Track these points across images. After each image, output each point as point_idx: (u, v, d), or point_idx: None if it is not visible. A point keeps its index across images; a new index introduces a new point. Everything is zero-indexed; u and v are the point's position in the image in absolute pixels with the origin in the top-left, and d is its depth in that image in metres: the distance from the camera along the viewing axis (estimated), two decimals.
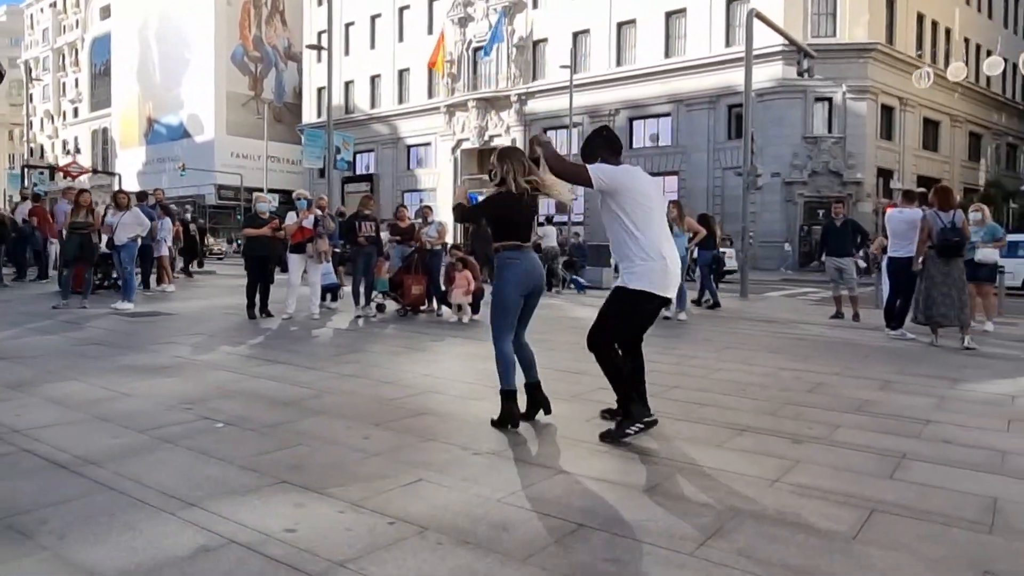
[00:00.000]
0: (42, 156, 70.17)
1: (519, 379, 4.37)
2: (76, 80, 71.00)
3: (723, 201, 31.45)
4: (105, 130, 66.23)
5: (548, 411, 4.46)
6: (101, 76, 66.52)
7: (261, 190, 44.25)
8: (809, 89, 29.52)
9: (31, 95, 74.20)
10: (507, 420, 4.27)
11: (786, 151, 30.03)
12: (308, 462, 3.55)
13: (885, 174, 31.43)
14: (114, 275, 12.76)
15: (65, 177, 30.29)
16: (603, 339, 4.14)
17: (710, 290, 12.25)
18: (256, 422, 4.26)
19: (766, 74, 28.82)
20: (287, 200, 10.71)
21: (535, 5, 38.62)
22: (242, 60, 54.46)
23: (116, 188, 20.27)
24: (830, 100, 30.37)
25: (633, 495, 3.23)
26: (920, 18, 33.74)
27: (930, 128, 35.16)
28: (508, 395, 4.29)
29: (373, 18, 46.36)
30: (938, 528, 2.89)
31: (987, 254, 9.38)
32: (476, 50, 40.54)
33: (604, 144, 4.30)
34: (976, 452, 4.05)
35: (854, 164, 30.05)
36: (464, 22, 40.95)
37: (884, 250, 12.82)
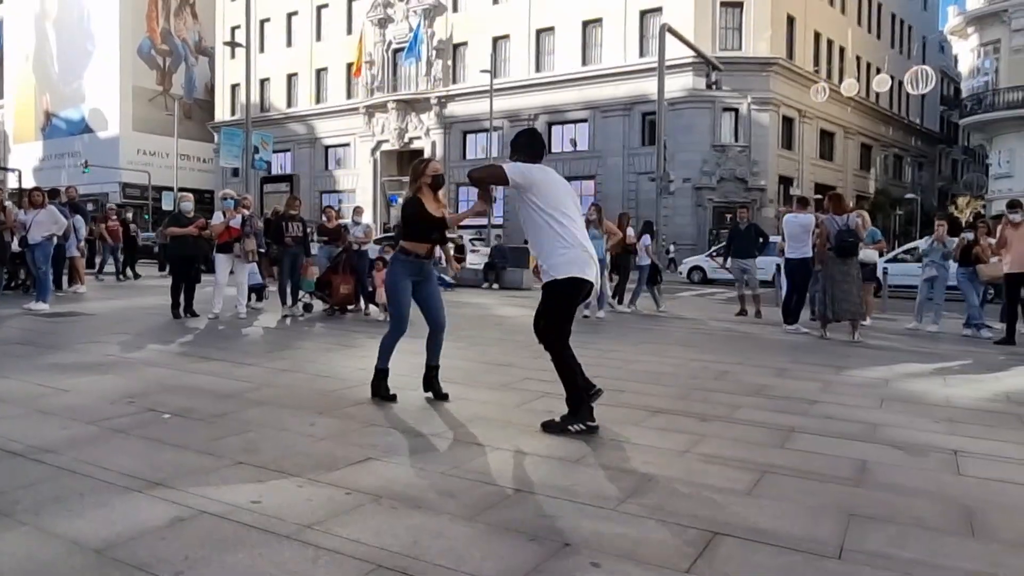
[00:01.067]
0: None
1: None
2: None
3: (637, 205, 32.62)
4: None
5: (439, 396, 4.97)
6: None
7: (171, 189, 42.83)
8: (717, 100, 31.04)
9: None
10: (377, 392, 4.90)
11: (696, 158, 31.47)
12: (260, 446, 3.79)
13: (786, 181, 33.40)
14: (22, 275, 12.34)
15: None
16: (554, 339, 4.41)
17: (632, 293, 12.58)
18: (202, 413, 4.44)
19: (677, 84, 30.14)
20: (202, 200, 10.53)
21: (455, 9, 38.94)
22: (149, 53, 52.35)
23: (12, 184, 19.32)
24: (736, 111, 32.02)
25: (563, 465, 3.64)
26: (817, 36, 36.01)
27: (826, 139, 37.54)
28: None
29: (290, 15, 45.58)
30: (816, 484, 3.43)
31: (868, 255, 10.34)
32: (396, 51, 40.49)
33: (525, 145, 4.54)
34: (852, 425, 4.67)
35: (758, 172, 31.80)
36: (384, 23, 40.82)
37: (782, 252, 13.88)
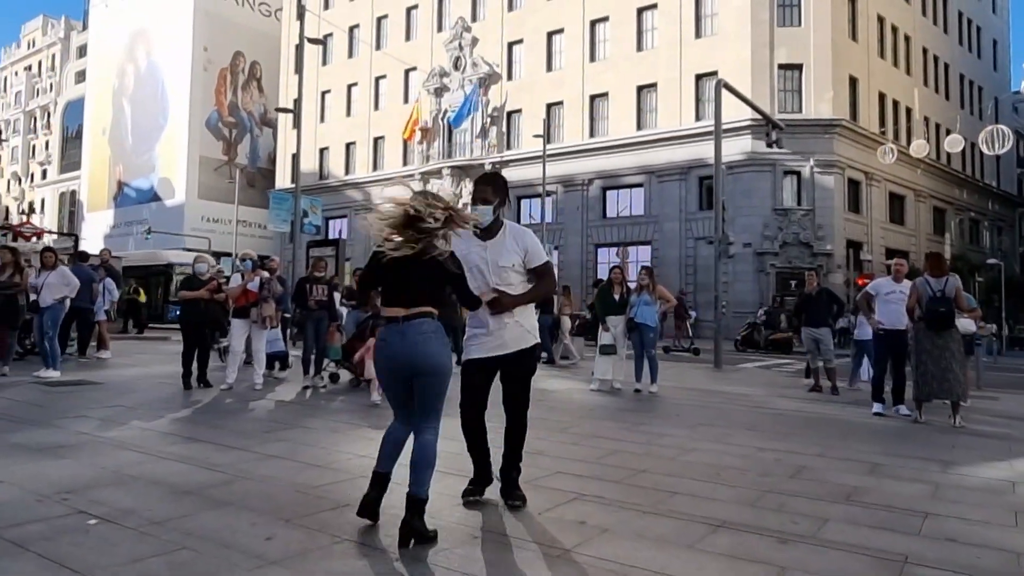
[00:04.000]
0: (7, 217, 68.90)
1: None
2: (47, 143, 70.50)
3: (695, 271, 31.42)
4: (73, 192, 65.40)
5: (413, 540, 3.29)
6: (73, 139, 66.11)
7: (230, 254, 43.61)
8: (778, 163, 29.93)
9: None
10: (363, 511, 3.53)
11: (757, 222, 30.20)
12: (185, 575, 2.86)
13: (854, 246, 31.69)
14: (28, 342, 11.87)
15: (16, 239, 29.30)
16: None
17: (545, 347, 13.10)
18: (141, 517, 3.55)
19: (736, 147, 29.21)
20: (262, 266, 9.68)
21: (509, 77, 39.25)
22: (217, 125, 54.44)
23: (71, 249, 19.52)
24: (798, 173, 30.78)
25: None
26: (882, 97, 34.75)
27: (896, 202, 35.77)
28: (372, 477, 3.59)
29: (350, 86, 46.81)
30: None
31: (965, 325, 8.98)
32: (451, 119, 40.92)
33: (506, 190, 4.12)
34: (987, 553, 3.48)
35: (823, 236, 30.26)
36: (440, 92, 41.43)
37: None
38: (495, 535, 3.53)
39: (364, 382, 9.11)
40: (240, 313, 8.68)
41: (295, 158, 23.13)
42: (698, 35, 32.94)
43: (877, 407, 8.21)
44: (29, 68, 73.73)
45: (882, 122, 34.55)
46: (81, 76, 65.38)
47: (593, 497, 4.24)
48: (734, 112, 26.31)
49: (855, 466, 5.40)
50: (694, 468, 5.14)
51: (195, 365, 8.71)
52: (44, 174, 70.51)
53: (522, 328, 3.95)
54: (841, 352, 12.57)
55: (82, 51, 66.60)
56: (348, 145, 46.71)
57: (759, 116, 21.15)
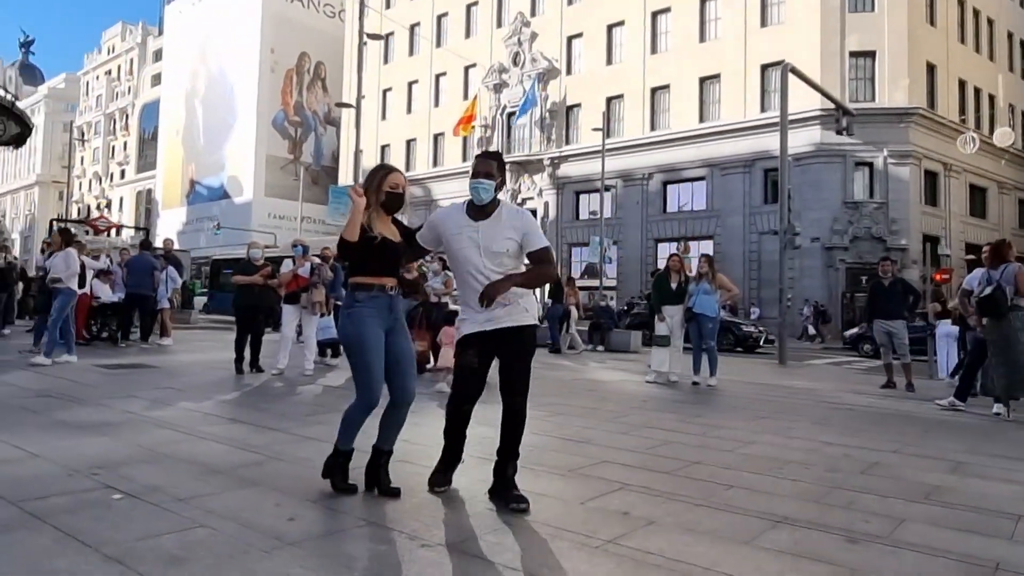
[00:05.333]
0: (88, 215, 72.17)
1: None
2: (125, 144, 73.54)
3: (760, 266, 30.45)
4: (149, 191, 68.07)
5: (386, 492, 3.57)
6: (149, 141, 68.81)
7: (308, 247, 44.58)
8: (848, 153, 28.70)
9: (82, 157, 77.28)
10: (329, 475, 3.65)
11: (825, 216, 29.04)
12: (196, 553, 2.70)
13: (931, 240, 30.11)
14: (114, 326, 12.24)
15: (88, 232, 30.49)
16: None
17: (553, 337, 14.11)
18: (166, 494, 3.43)
19: (803, 138, 28.15)
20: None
21: (569, 71, 38.87)
22: (283, 125, 55.79)
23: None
24: (870, 165, 29.45)
25: None
26: (962, 84, 32.95)
27: (977, 195, 33.88)
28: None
29: (410, 84, 47.21)
30: None
31: None
32: (510, 115, 40.76)
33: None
34: None
35: (898, 230, 28.87)
36: (499, 88, 41.36)
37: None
38: (529, 522, 3.27)
39: (437, 371, 8.35)
40: (291, 299, 8.66)
41: (359, 156, 23.30)
42: (764, 24, 31.89)
43: (997, 408, 7.50)
44: (109, 72, 77.04)
45: (962, 110, 32.76)
46: (157, 79, 67.94)
47: (640, 487, 3.93)
48: (802, 102, 25.32)
49: (935, 464, 4.93)
50: (753, 461, 4.77)
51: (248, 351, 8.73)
52: (123, 174, 73.59)
53: (519, 306, 3.54)
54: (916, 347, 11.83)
55: (157, 55, 69.22)
56: (409, 142, 47.12)
57: (828, 106, 20.23)
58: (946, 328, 11.26)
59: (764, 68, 31.46)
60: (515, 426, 3.57)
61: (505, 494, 3.48)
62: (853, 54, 29.96)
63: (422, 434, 4.74)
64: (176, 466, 4.02)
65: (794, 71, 15.46)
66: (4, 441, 4.42)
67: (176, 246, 49.58)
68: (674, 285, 9.60)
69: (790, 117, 16.63)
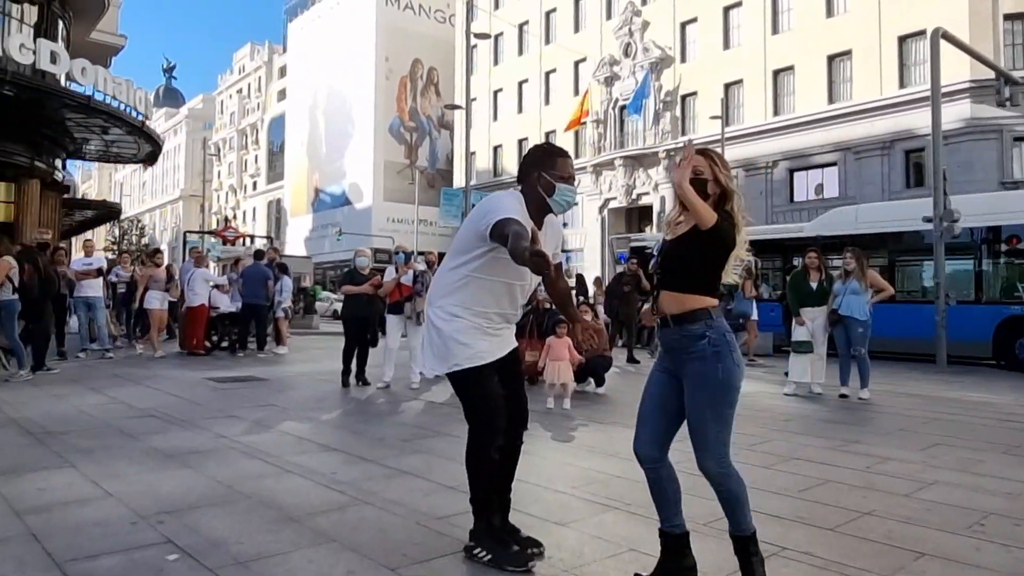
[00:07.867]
0: (226, 225, 76.99)
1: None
2: (256, 157, 77.97)
3: None
4: (278, 200, 71.76)
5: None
6: (277, 153, 72.55)
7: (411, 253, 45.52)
8: (1006, 128, 25.61)
9: (218, 172, 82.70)
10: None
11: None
12: None
13: None
14: (234, 335, 12.43)
15: (216, 242, 32.08)
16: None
17: None
18: (227, 554, 2.96)
19: (951, 114, 25.34)
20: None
21: (683, 59, 37.24)
22: (398, 131, 57.14)
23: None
24: None
25: None
26: None
27: None
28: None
29: (521, 83, 46.96)
30: None
31: None
32: (623, 108, 39.60)
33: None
34: None
35: None
36: (610, 81, 40.27)
37: None
38: None
39: (549, 385, 7.54)
40: (395, 309, 8.28)
41: (472, 158, 23.12)
42: None
43: None
44: (240, 91, 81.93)
45: None
46: (282, 95, 71.51)
47: (800, 554, 3.10)
48: (948, 74, 22.74)
49: None
50: (940, 512, 3.79)
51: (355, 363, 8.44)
52: (254, 185, 78.03)
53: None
54: None
55: (283, 72, 72.85)
56: (520, 141, 46.86)
57: (979, 76, 17.94)
58: None
59: (902, 40, 28.73)
60: (516, 463, 3.12)
61: (513, 528, 3.06)
62: (1008, 16, 26.75)
63: (533, 467, 4.08)
64: (251, 511, 3.57)
65: (946, 36, 13.67)
66: (87, 476, 4.16)
67: (303, 252, 51.26)
68: (814, 284, 8.50)
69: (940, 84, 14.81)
